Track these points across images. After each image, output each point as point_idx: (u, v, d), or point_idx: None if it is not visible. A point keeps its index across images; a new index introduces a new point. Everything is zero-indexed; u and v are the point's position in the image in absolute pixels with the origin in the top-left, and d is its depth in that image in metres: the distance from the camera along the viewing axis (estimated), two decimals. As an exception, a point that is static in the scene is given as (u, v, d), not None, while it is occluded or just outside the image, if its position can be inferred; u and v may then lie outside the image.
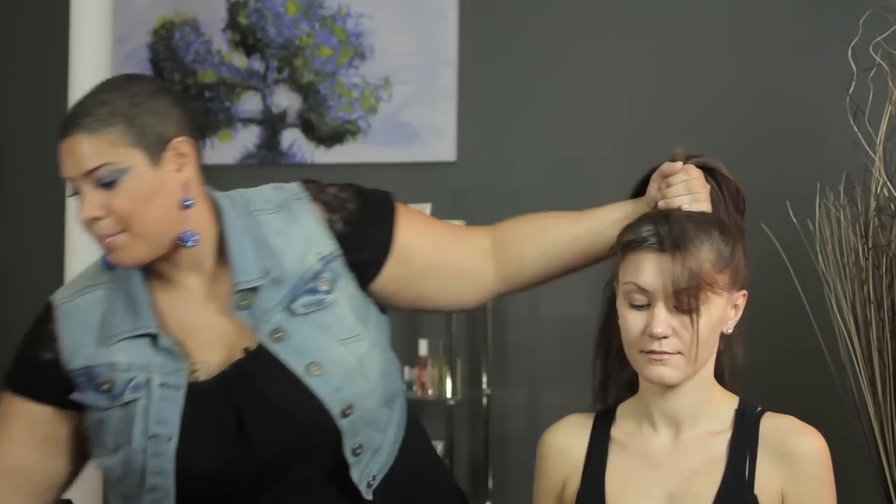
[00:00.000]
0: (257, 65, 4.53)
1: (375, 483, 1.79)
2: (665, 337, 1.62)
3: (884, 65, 2.97)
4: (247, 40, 4.56)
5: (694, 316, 1.62)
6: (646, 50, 4.05)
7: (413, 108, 4.33)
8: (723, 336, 1.70)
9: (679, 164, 1.77)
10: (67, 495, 1.89)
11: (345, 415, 1.73)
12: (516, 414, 4.18)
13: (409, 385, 4.12)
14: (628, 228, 1.70)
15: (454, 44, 4.28)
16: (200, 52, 4.61)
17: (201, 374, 1.74)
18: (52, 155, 1.76)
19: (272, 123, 4.51)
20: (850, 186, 3.01)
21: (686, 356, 1.64)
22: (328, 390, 1.72)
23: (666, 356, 1.63)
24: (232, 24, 4.57)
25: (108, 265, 1.78)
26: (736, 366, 1.76)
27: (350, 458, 1.75)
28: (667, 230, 1.64)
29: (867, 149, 2.95)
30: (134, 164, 1.69)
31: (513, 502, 4.11)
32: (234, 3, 4.57)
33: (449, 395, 4.05)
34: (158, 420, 1.71)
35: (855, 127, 2.97)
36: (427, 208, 4.04)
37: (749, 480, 1.65)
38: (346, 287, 1.80)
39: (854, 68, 2.98)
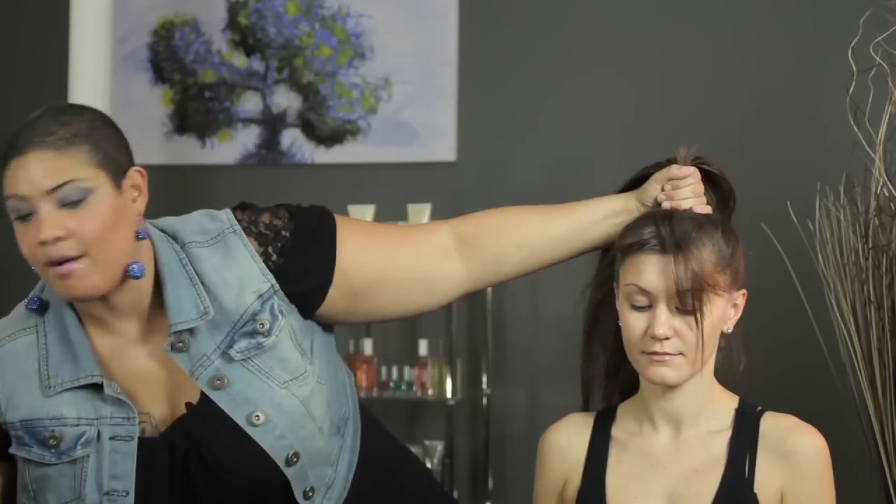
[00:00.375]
0: (257, 65, 4.53)
1: None
2: (667, 338, 1.63)
3: (884, 65, 2.97)
4: (247, 40, 4.56)
5: (698, 317, 1.62)
6: (646, 50, 4.05)
7: (413, 108, 4.33)
8: (723, 335, 1.71)
9: (690, 168, 1.76)
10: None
11: (290, 463, 1.67)
12: (516, 414, 4.18)
13: (410, 385, 4.13)
14: (629, 230, 1.70)
15: (454, 44, 4.28)
16: (200, 52, 4.61)
17: (147, 427, 1.68)
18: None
19: (272, 123, 4.51)
20: (850, 186, 3.00)
21: (688, 357, 1.64)
22: (271, 439, 1.66)
23: (668, 357, 1.63)
24: (232, 24, 4.57)
25: (35, 309, 1.70)
26: (737, 373, 1.75)
27: (301, 502, 1.70)
28: (669, 231, 1.64)
29: (867, 149, 2.95)
30: (99, 185, 1.61)
31: (513, 502, 4.11)
32: (234, 3, 4.57)
33: (449, 395, 4.05)
34: (112, 475, 1.65)
35: (855, 127, 2.97)
36: (427, 208, 4.05)
37: (749, 479, 1.65)
38: (287, 323, 1.72)
39: (854, 68, 2.98)
